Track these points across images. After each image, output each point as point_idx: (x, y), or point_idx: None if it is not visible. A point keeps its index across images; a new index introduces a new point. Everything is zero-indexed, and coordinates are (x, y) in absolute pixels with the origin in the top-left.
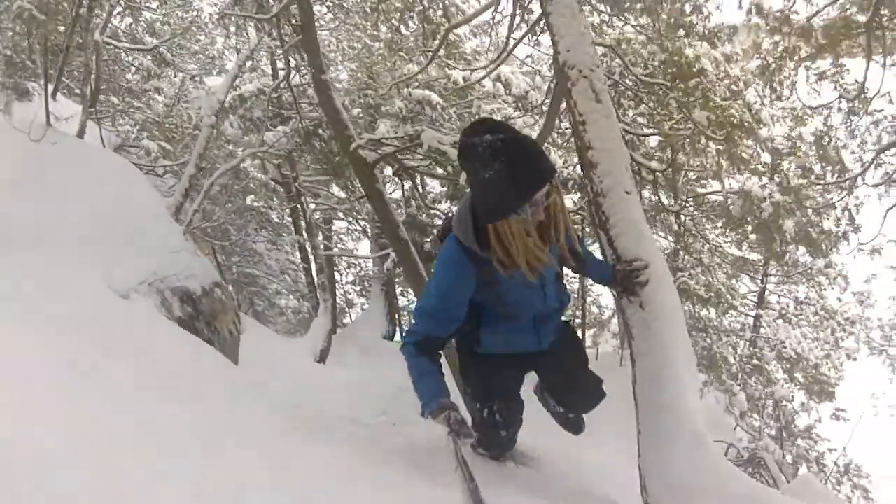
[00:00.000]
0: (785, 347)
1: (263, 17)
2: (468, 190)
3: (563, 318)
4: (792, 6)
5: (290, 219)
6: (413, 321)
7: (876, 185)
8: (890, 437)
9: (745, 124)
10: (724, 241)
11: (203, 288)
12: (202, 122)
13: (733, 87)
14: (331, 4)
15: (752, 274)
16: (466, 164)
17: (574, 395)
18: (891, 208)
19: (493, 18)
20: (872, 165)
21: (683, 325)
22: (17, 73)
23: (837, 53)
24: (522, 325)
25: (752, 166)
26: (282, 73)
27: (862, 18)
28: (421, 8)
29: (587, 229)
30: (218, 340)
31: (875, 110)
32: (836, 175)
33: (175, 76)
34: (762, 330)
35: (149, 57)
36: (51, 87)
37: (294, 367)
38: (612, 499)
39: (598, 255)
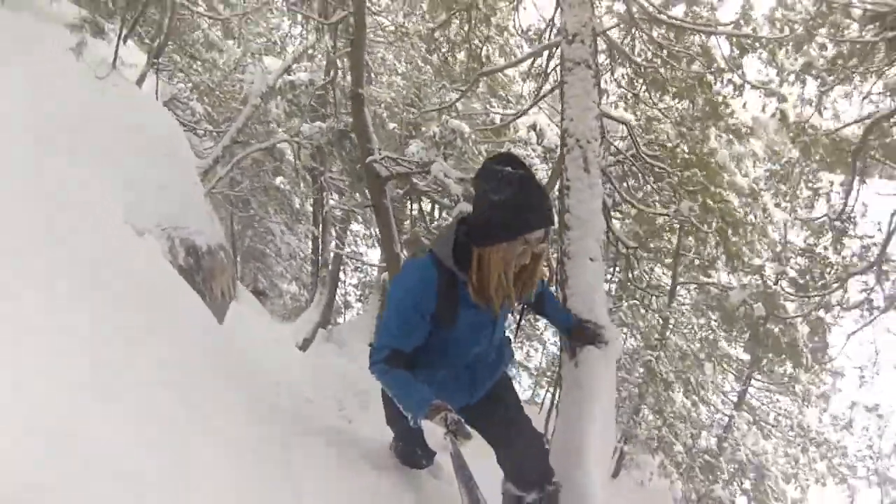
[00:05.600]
0: (740, 450)
1: (324, 21)
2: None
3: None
4: (810, 118)
5: (311, 208)
6: (376, 338)
7: (847, 309)
8: None
9: (743, 224)
10: (719, 335)
11: (209, 246)
12: (249, 99)
13: (752, 186)
14: (393, 20)
15: (737, 374)
16: (480, 183)
17: (512, 440)
18: (852, 334)
19: (530, 70)
20: (843, 288)
21: (612, 398)
22: (97, 10)
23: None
24: (458, 373)
25: (747, 266)
26: (330, 73)
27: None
28: (469, 46)
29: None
30: (210, 297)
31: (866, 235)
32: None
33: (238, 47)
34: (734, 432)
35: (217, 26)
36: (125, 32)
37: (274, 346)
38: None
39: None
